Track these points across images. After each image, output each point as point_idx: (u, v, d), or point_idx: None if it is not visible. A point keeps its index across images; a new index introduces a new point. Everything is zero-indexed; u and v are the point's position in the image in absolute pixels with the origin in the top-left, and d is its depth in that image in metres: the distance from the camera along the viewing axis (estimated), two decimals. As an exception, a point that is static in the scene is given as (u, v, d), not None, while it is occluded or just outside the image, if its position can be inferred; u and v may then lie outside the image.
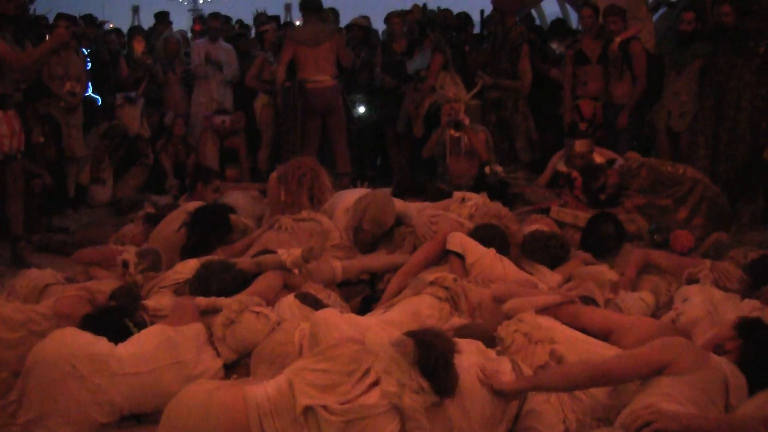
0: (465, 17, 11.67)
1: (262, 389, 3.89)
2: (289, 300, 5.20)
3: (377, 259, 6.62)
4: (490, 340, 4.58)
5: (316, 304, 5.20)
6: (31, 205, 8.47)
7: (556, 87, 10.32)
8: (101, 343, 4.41)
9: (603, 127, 9.47)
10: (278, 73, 10.48)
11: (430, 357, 3.81)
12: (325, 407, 3.72)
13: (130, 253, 5.92)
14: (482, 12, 12.92)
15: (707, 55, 8.87)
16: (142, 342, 4.53)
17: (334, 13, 11.99)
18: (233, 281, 5.47)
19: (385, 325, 4.81)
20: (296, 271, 5.80)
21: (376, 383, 3.80)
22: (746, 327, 4.04)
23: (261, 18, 13.38)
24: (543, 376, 4.11)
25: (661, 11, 12.09)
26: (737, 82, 8.63)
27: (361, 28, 11.47)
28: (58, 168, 9.34)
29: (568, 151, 8.37)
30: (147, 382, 4.39)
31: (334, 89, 10.33)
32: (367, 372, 3.84)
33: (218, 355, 4.70)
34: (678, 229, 7.18)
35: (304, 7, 10.48)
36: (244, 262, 5.82)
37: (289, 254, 5.69)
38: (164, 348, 4.51)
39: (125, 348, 4.45)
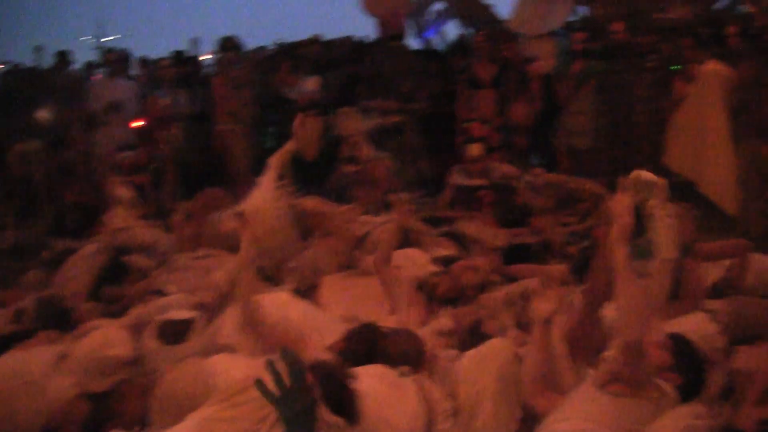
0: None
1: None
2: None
3: None
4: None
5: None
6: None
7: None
8: None
9: (501, 149, 9.58)
10: None
11: (332, 389, 3.78)
12: None
13: (29, 299, 5.79)
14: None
15: (601, 73, 9.05)
16: None
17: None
18: None
19: None
20: None
21: None
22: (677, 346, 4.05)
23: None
24: None
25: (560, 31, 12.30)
26: (631, 97, 8.86)
27: None
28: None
29: (464, 159, 8.42)
30: None
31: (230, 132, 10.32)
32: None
33: None
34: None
35: None
36: None
37: None
38: None
39: None
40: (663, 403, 3.74)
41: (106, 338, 4.59)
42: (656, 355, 3.95)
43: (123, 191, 7.06)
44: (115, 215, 8.18)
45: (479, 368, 4.40)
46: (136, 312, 5.52)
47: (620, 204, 3.84)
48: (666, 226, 4.13)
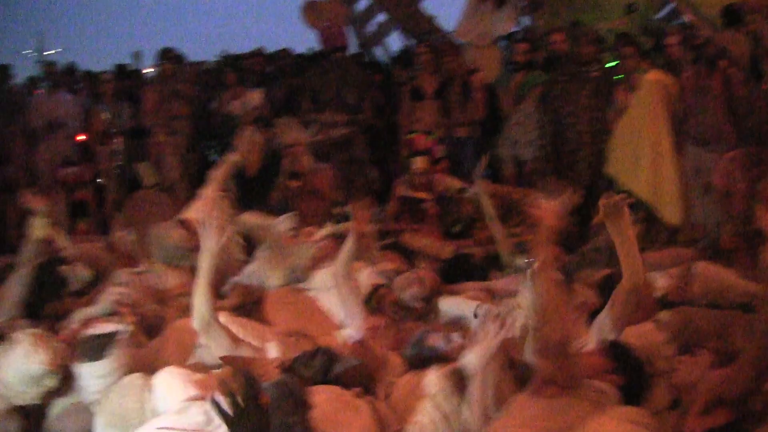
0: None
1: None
2: None
3: None
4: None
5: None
6: None
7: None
8: None
9: (444, 160, 9.59)
10: None
11: (290, 408, 3.72)
12: None
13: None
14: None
15: (543, 83, 9.11)
16: None
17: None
18: None
19: None
20: None
21: None
22: (615, 351, 4.09)
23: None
24: None
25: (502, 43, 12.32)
26: (574, 106, 8.91)
27: None
28: None
29: (410, 172, 8.40)
30: None
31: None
32: None
33: None
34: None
35: None
36: None
37: None
38: None
39: None
40: (602, 400, 3.76)
41: (30, 350, 4.49)
42: (595, 360, 4.03)
43: (36, 202, 6.89)
44: (32, 227, 8.00)
45: (413, 398, 4.35)
46: (67, 327, 5.45)
47: (546, 208, 3.89)
48: (631, 254, 4.20)
